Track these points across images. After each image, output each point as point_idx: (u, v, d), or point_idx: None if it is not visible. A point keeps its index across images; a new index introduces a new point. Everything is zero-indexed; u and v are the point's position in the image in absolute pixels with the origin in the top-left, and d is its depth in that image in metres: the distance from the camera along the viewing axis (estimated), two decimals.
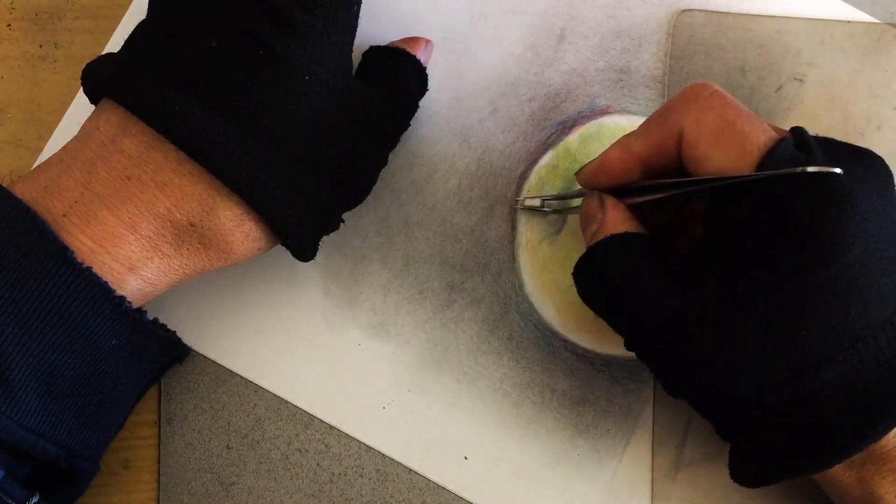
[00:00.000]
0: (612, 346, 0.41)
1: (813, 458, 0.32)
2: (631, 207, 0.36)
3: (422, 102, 0.41)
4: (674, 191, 0.35)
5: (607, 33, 0.43)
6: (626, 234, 0.35)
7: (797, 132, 0.34)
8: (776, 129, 0.34)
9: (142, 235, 0.34)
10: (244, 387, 0.42)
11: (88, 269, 0.33)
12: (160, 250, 0.34)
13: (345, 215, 0.39)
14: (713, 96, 0.34)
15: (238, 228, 0.35)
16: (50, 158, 0.35)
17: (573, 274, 0.36)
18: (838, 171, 0.31)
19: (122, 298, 0.34)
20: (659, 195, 0.35)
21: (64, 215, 0.33)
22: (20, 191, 0.34)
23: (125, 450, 0.41)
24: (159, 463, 0.41)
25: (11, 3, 0.43)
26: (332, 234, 0.39)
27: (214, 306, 0.42)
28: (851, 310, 0.31)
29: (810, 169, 0.31)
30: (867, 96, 0.42)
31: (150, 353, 0.37)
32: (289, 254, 0.37)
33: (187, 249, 0.35)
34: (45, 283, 0.32)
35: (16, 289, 0.32)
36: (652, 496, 0.40)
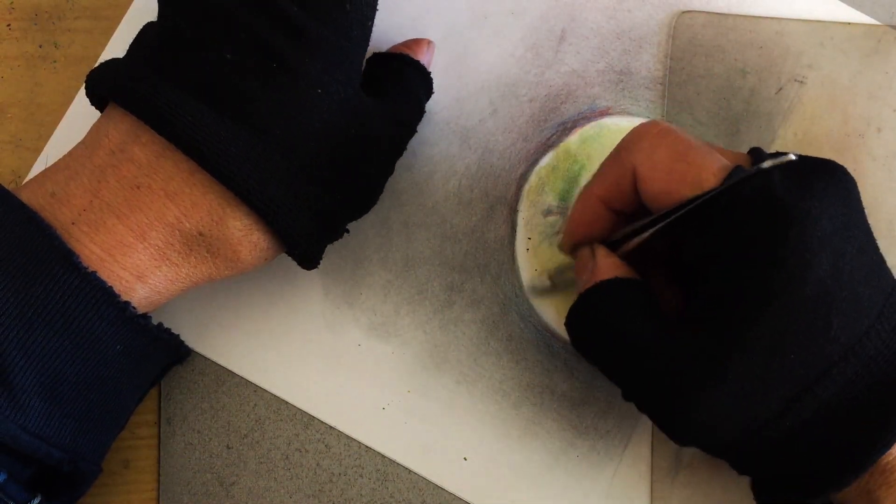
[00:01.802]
0: None
1: (829, 479, 0.32)
2: (625, 258, 0.36)
3: None
4: (650, 229, 0.34)
5: (607, 34, 0.43)
6: (615, 280, 0.35)
7: (755, 152, 0.33)
8: (735, 154, 0.34)
9: (150, 244, 0.34)
10: (244, 387, 0.42)
11: (94, 273, 0.33)
12: (168, 259, 0.34)
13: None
14: (663, 133, 0.34)
15: (247, 238, 0.35)
16: (56, 164, 0.35)
17: (565, 324, 0.36)
18: (792, 157, 0.32)
19: (127, 304, 0.34)
20: (642, 237, 0.35)
21: (73, 223, 0.33)
22: (26, 197, 0.34)
23: (125, 450, 0.41)
24: (159, 463, 0.41)
25: (11, 3, 0.43)
26: None
27: (215, 307, 0.42)
28: (833, 324, 0.30)
29: (765, 165, 0.31)
30: (867, 98, 0.42)
31: (153, 357, 0.37)
32: (289, 256, 0.37)
33: (195, 258, 0.35)
34: (51, 287, 0.32)
35: (21, 293, 0.32)
36: (651, 497, 0.40)
